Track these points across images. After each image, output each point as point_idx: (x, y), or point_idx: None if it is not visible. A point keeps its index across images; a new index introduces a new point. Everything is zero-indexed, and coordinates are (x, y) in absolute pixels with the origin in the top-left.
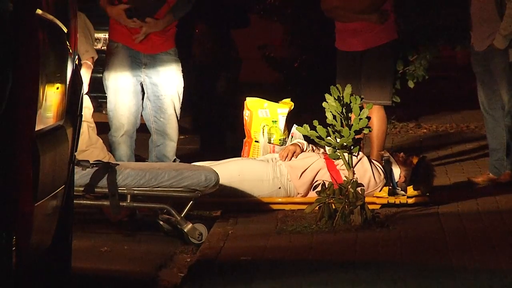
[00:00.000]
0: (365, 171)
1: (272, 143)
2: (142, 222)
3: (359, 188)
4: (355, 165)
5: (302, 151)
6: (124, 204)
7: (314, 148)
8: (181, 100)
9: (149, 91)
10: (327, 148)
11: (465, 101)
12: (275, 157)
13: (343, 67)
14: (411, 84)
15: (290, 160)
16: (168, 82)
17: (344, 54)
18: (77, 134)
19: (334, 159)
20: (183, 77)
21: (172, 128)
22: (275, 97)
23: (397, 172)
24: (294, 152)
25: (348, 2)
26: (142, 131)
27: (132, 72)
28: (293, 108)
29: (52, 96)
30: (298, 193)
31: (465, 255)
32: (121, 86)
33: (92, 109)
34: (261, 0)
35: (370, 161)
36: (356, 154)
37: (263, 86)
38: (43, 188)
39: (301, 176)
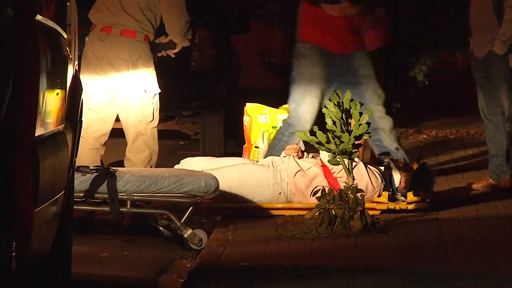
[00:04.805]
0: (362, 177)
1: None
2: (141, 227)
3: (359, 194)
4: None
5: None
6: (124, 209)
7: (314, 155)
8: None
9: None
10: (321, 154)
11: (465, 106)
12: (275, 161)
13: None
14: (411, 90)
15: (290, 154)
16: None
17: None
18: (77, 140)
19: (334, 164)
20: (182, 83)
21: None
22: (275, 103)
23: (397, 177)
24: (299, 151)
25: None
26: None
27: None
28: None
29: (52, 102)
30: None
31: (465, 261)
32: None
33: None
34: (261, 6)
35: (367, 167)
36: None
37: (263, 92)
38: (43, 194)
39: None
